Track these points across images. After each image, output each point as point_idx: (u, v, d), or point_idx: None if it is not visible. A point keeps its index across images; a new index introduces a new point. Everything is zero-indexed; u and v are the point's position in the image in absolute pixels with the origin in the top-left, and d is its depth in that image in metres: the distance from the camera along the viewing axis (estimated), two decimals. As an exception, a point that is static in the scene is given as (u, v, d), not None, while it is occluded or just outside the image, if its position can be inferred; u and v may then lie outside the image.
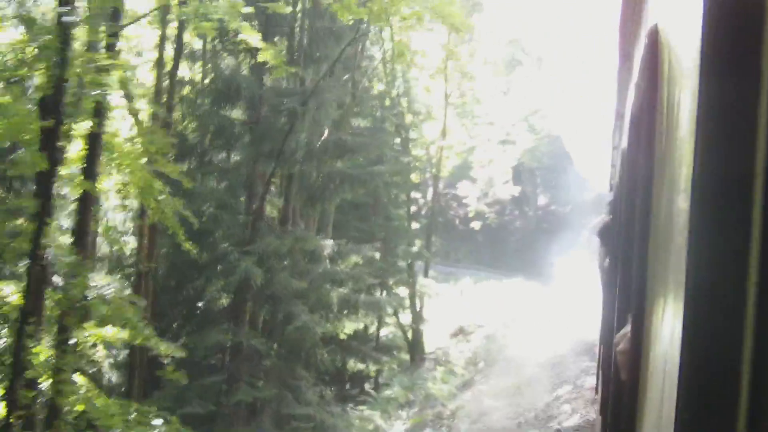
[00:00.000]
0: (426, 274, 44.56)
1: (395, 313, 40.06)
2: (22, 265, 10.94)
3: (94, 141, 12.12)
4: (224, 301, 23.81)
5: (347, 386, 34.61)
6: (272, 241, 21.36)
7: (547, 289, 47.58)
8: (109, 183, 16.77)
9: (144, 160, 13.90)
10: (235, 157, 24.80)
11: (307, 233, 23.43)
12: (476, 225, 51.59)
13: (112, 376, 21.34)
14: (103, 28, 11.03)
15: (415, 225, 44.01)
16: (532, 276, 55.58)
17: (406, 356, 39.68)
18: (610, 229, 6.99)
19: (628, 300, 3.73)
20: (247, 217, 22.51)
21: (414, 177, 43.12)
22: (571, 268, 43.25)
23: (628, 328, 3.30)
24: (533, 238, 65.87)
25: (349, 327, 24.20)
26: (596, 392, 12.48)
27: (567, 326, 29.29)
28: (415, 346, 41.46)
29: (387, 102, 40.34)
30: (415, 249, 41.00)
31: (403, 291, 37.41)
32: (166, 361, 13.69)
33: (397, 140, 40.50)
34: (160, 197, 13.22)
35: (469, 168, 54.59)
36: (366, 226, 38.72)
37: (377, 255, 33.86)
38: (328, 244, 23.66)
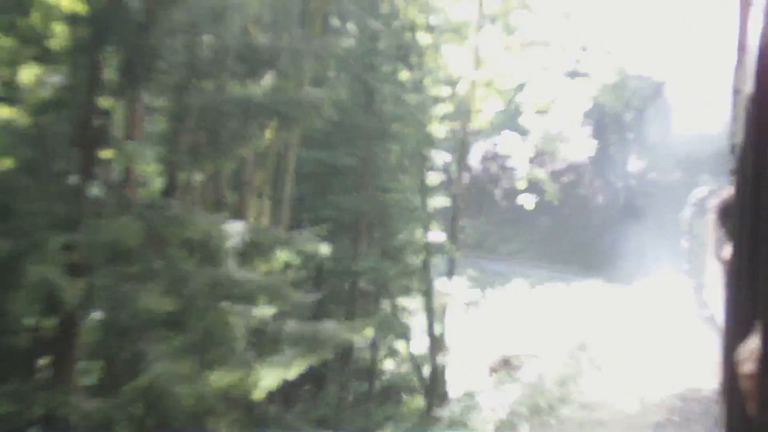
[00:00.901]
0: (451, 276, 38.26)
1: (405, 339, 36.10)
2: None
3: None
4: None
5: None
6: (107, 225, 14.98)
7: (640, 299, 43.90)
8: None
9: None
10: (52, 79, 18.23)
11: (189, 210, 17.00)
12: (528, 201, 44.75)
13: None
14: None
15: (441, 201, 37.70)
16: (619, 277, 48.93)
17: (421, 401, 36.16)
18: (733, 205, 5.88)
19: (756, 302, 3.74)
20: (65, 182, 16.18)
21: (436, 128, 36.68)
22: (677, 265, 40.30)
23: (756, 341, 3.29)
24: (621, 221, 58.56)
25: (270, 378, 17.67)
26: None
27: (670, 362, 27.42)
28: (432, 388, 35.44)
29: (383, 5, 33.84)
30: (429, 237, 34.76)
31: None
32: None
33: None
34: None
35: (517, 115, 47.68)
36: (351, 201, 32.58)
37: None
38: (235, 230, 17.27)
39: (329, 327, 18.42)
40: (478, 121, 45.00)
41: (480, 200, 71.82)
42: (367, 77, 31.24)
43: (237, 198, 25.48)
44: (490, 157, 65.29)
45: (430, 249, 36.53)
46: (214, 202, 22.27)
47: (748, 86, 4.47)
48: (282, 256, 18.84)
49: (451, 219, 40.54)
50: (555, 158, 74.31)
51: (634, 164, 69.52)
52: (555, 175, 72.84)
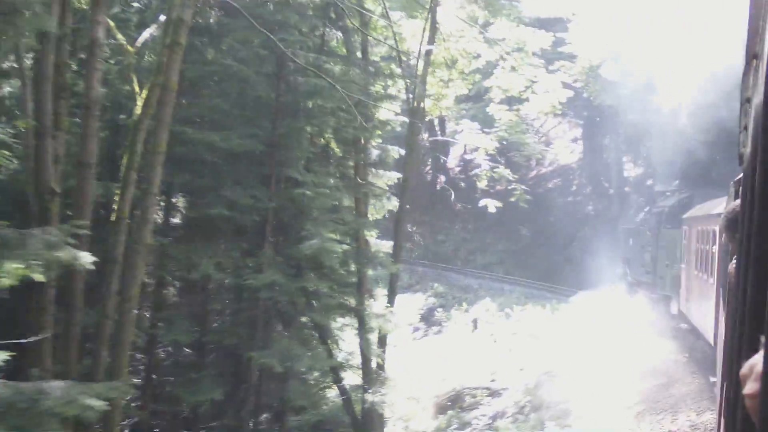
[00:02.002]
0: (392, 294, 31.09)
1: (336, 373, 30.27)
2: None
3: None
4: None
5: None
6: None
7: (626, 321, 37.77)
8: None
9: None
10: None
11: None
12: (491, 205, 37.41)
13: None
14: None
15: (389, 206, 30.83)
16: (607, 294, 44.13)
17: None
18: (739, 217, 5.92)
19: (761, 316, 3.52)
20: None
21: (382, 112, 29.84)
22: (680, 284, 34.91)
23: (759, 358, 3.05)
24: (614, 232, 50.93)
25: None
26: None
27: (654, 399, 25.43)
28: (365, 428, 30.58)
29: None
30: (366, 245, 27.85)
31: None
32: None
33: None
34: None
35: (483, 102, 40.22)
36: (251, 198, 25.60)
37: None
38: None
39: (57, 390, 10.94)
40: (435, 107, 37.69)
41: (454, 206, 64.62)
42: (277, 38, 23.94)
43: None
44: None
45: (362, 260, 29.28)
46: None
47: (759, 94, 3.85)
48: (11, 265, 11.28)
49: (394, 225, 33.31)
50: (541, 160, 67.56)
51: (631, 169, 61.42)
52: (540, 180, 65.67)
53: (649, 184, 57.87)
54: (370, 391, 29.15)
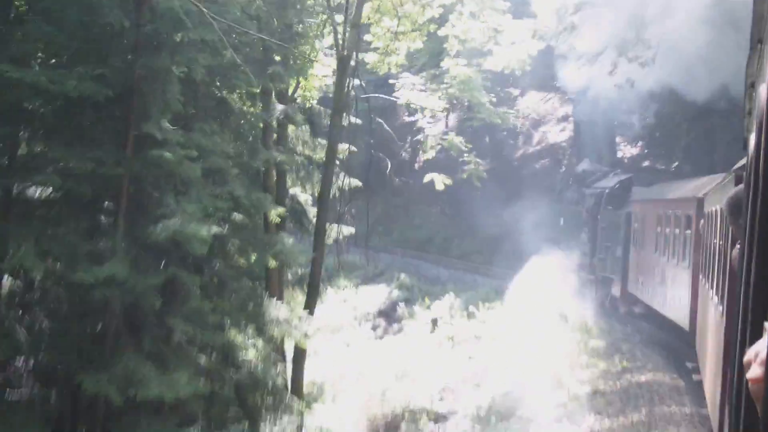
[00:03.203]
0: (312, 296, 24.24)
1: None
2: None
3: None
4: None
5: None
6: None
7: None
8: None
9: None
10: None
11: None
12: (437, 180, 30.11)
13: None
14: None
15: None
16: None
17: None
18: (744, 203, 5.97)
19: (765, 302, 3.95)
20: None
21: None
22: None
23: (764, 344, 3.33)
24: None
25: None
26: None
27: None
28: None
29: None
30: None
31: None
32: None
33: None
34: None
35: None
36: (95, 160, 18.39)
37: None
38: None
39: None
40: (384, 64, 30.26)
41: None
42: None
43: None
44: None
45: (263, 249, 22.16)
46: None
47: (764, 79, 4.41)
48: None
49: (318, 203, 26.15)
50: (528, 139, 60.47)
51: (625, 149, 55.26)
52: (526, 159, 58.32)
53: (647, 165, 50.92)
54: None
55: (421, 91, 31.18)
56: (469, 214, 55.06)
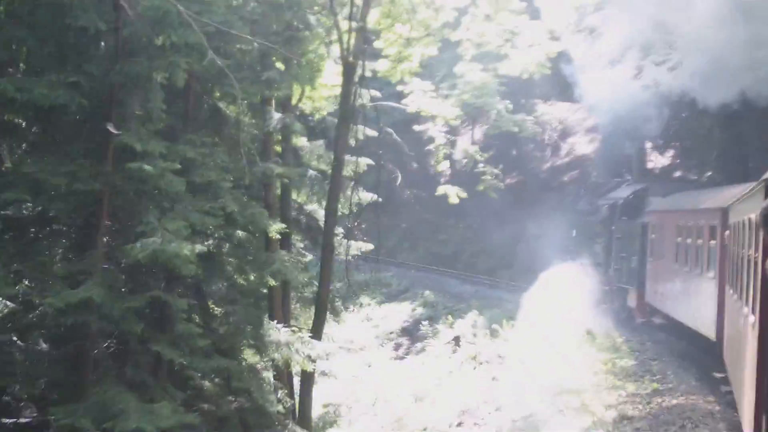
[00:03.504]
0: (319, 317, 22.76)
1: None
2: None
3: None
4: None
5: None
6: None
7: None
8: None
9: None
10: None
11: None
12: (451, 192, 28.34)
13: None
14: None
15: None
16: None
17: None
18: None
19: None
20: None
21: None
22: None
23: None
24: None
25: None
26: None
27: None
28: None
29: None
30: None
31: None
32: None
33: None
34: None
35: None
36: (65, 175, 16.87)
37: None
38: None
39: None
40: (397, 72, 28.52)
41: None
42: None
43: None
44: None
45: (262, 268, 20.55)
46: None
47: None
48: None
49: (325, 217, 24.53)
50: (556, 151, 58.51)
51: (656, 160, 52.87)
52: (554, 172, 56.29)
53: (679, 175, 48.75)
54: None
55: (432, 98, 29.35)
56: (495, 229, 53.34)
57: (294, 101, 26.19)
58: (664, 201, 31.04)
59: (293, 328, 22.10)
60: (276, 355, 21.06)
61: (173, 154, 18.35)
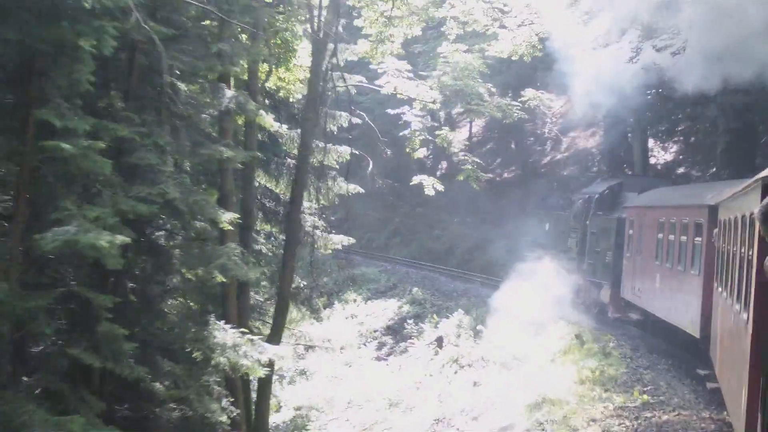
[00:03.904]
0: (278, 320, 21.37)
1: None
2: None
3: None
4: None
5: None
6: None
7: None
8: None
9: None
10: None
11: None
12: (427, 184, 26.06)
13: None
14: None
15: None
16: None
17: None
18: None
19: None
20: None
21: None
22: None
23: None
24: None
25: None
26: None
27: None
28: None
29: None
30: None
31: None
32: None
33: None
34: None
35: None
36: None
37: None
38: None
39: None
40: (378, 53, 26.15)
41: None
42: None
43: None
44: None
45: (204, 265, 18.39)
46: None
47: None
48: None
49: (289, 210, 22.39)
50: (556, 144, 56.28)
51: (659, 155, 51.25)
52: (554, 166, 54.05)
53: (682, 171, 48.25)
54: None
55: (410, 79, 26.84)
56: (492, 224, 51.31)
57: (261, 81, 23.99)
58: (643, 197, 30.87)
59: (243, 330, 19.69)
60: (221, 359, 18.73)
61: (103, 132, 16.06)
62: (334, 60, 23.77)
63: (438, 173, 64.59)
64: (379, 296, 46.09)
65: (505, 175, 59.21)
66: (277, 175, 29.49)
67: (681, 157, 50.28)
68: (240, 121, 23.30)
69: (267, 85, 24.46)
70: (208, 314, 19.64)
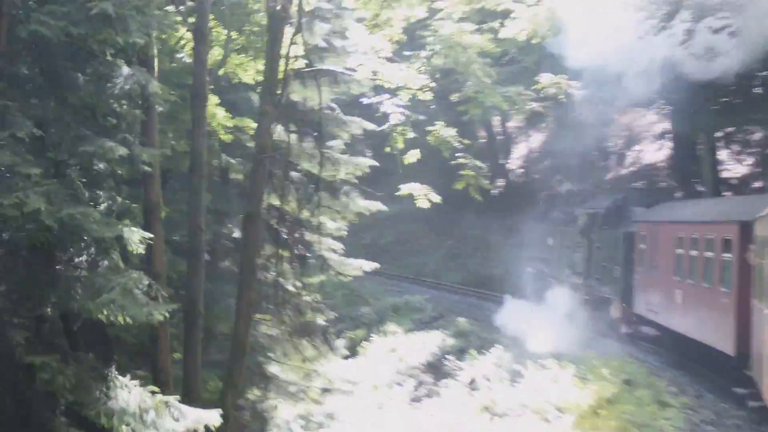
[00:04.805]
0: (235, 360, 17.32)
1: None
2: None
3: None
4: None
5: None
6: None
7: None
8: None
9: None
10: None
11: None
12: (417, 192, 20.74)
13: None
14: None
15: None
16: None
17: None
18: None
19: None
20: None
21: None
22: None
23: None
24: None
25: None
26: None
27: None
28: None
29: None
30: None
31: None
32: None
33: None
34: None
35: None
36: None
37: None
38: None
39: None
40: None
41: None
42: None
43: None
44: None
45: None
46: None
47: None
48: None
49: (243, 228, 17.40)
50: (621, 160, 50.40)
51: (733, 168, 45.15)
52: (619, 182, 48.40)
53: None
54: None
55: (391, 60, 21.00)
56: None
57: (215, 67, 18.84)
58: (655, 211, 30.49)
59: (154, 389, 14.16)
60: (122, 429, 13.35)
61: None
62: (299, 39, 18.48)
63: (494, 191, 59.38)
64: (422, 327, 40.37)
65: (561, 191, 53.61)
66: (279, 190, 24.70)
67: (758, 169, 43.89)
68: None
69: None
70: (108, 367, 14.26)
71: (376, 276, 45.15)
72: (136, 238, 14.06)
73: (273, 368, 28.01)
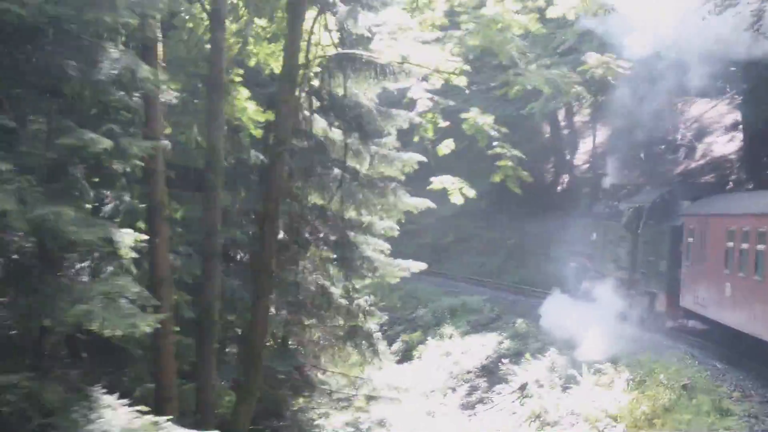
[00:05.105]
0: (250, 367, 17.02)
1: None
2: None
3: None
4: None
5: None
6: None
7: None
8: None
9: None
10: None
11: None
12: (450, 185, 18.96)
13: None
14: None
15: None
16: None
17: None
18: None
19: None
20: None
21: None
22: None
23: None
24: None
25: None
26: None
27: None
28: None
29: None
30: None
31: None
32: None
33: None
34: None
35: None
36: None
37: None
38: None
39: None
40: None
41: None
42: None
43: None
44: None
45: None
46: None
47: None
48: None
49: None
50: (690, 152, 47.99)
51: None
52: (688, 175, 46.13)
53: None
54: None
55: (423, 42, 19.12)
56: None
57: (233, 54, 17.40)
58: (702, 204, 30.24)
59: (140, 408, 12.63)
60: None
61: None
62: (323, 21, 16.84)
63: (558, 188, 57.18)
64: (479, 329, 38.59)
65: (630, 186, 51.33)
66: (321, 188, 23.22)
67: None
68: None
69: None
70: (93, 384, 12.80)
71: (433, 276, 43.74)
72: (128, 240, 12.62)
73: (318, 375, 26.83)
